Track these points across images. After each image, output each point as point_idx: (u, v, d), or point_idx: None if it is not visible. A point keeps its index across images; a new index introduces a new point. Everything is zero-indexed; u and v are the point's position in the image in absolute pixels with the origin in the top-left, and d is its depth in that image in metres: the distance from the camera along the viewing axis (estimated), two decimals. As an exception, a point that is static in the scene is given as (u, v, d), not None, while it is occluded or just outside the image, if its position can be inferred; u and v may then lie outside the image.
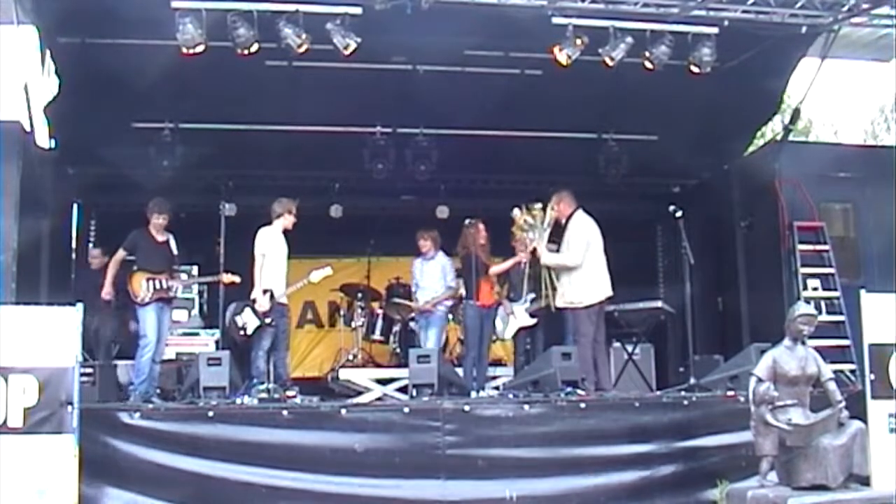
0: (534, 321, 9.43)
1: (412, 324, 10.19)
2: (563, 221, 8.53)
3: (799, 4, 8.26)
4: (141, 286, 8.30)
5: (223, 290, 8.90)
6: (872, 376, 6.95)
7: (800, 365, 6.35)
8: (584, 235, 8.36)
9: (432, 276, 9.46)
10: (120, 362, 8.89)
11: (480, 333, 9.06)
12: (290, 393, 8.18)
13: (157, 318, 8.31)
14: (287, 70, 8.87)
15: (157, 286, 8.31)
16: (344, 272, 11.14)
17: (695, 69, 8.57)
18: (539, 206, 8.59)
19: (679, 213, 9.02)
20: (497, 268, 9.20)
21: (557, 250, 8.53)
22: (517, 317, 9.40)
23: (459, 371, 9.07)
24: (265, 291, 8.37)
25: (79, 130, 9.45)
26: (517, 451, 7.16)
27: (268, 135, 10.14)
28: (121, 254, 8.52)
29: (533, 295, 9.45)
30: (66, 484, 5.93)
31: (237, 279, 8.77)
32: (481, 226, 9.20)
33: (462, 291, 9.37)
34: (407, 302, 9.46)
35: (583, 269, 8.31)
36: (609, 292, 8.35)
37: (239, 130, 10.11)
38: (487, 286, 9.14)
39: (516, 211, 8.71)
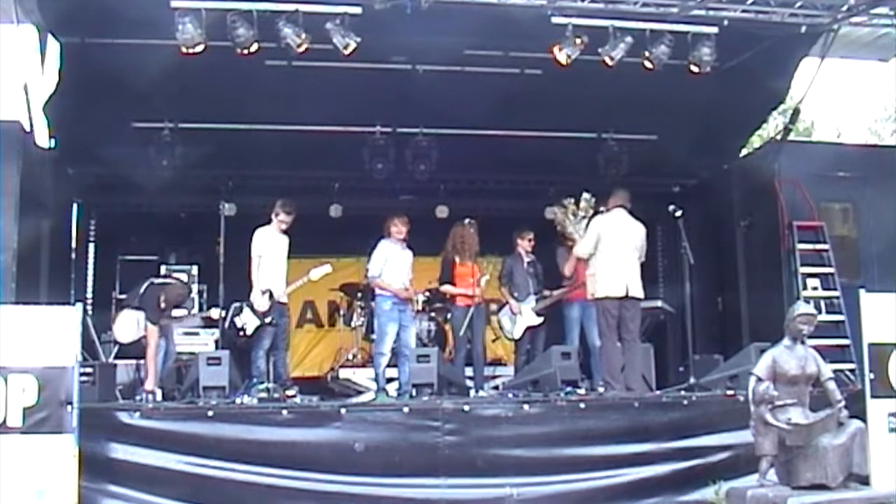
0: (540, 320, 9.47)
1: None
2: None
3: (799, 4, 8.26)
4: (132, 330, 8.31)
5: (223, 290, 8.89)
6: (872, 376, 6.95)
7: (799, 364, 6.35)
8: (595, 231, 8.44)
9: (404, 265, 9.01)
10: (120, 362, 8.89)
11: (469, 333, 9.06)
12: (289, 392, 8.19)
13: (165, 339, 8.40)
14: (287, 70, 8.88)
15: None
16: (344, 272, 11.14)
17: (695, 69, 8.57)
18: (587, 196, 8.86)
19: (679, 213, 9.01)
20: (449, 289, 9.23)
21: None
22: (524, 316, 9.44)
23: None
24: (264, 292, 8.36)
25: (79, 130, 9.45)
26: (517, 451, 7.16)
27: (268, 135, 10.14)
28: (155, 328, 8.26)
29: (538, 293, 9.50)
30: (66, 484, 5.94)
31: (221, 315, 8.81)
32: (475, 227, 9.19)
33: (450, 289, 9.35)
34: (398, 291, 8.90)
35: (595, 263, 8.40)
36: (622, 292, 8.29)
37: (239, 130, 10.11)
38: (466, 285, 9.12)
39: (564, 203, 9.08)
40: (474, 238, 9.15)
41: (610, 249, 8.36)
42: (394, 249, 8.99)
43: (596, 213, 8.90)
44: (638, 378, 8.51)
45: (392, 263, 8.94)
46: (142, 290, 8.43)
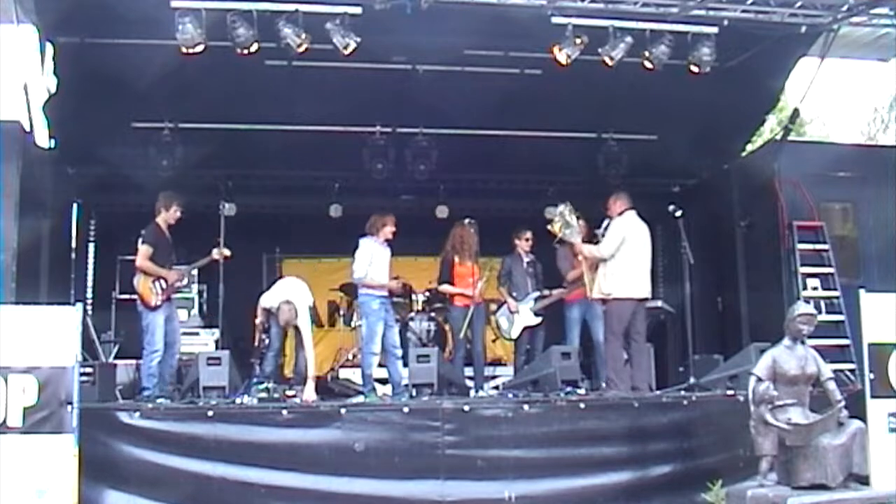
0: (538, 319, 9.47)
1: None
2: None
3: (799, 4, 8.25)
4: (152, 290, 8.14)
5: (223, 290, 8.87)
6: (872, 376, 6.97)
7: (799, 364, 6.36)
8: (621, 232, 8.41)
9: (386, 263, 8.86)
10: (120, 362, 8.89)
11: (469, 333, 9.05)
12: (289, 392, 8.19)
13: (165, 320, 8.24)
14: (287, 70, 8.88)
15: (164, 285, 8.23)
16: (343, 272, 11.09)
17: (694, 69, 8.57)
18: (561, 207, 8.75)
19: (679, 213, 9.01)
20: (448, 288, 9.27)
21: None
22: (522, 315, 9.45)
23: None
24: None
25: (79, 130, 9.45)
26: (516, 452, 7.17)
27: (268, 134, 10.14)
28: (149, 250, 8.21)
29: (537, 293, 9.50)
30: (66, 484, 5.94)
31: (227, 252, 8.71)
32: (475, 227, 9.18)
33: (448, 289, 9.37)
34: (390, 284, 8.83)
35: (615, 263, 8.35)
36: (641, 294, 8.36)
37: (239, 130, 10.10)
38: (465, 286, 9.12)
39: (548, 214, 9.13)
40: (474, 238, 9.14)
41: (631, 252, 8.37)
42: (377, 249, 8.84)
43: (578, 218, 8.84)
44: (645, 378, 8.54)
45: (376, 263, 8.78)
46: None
